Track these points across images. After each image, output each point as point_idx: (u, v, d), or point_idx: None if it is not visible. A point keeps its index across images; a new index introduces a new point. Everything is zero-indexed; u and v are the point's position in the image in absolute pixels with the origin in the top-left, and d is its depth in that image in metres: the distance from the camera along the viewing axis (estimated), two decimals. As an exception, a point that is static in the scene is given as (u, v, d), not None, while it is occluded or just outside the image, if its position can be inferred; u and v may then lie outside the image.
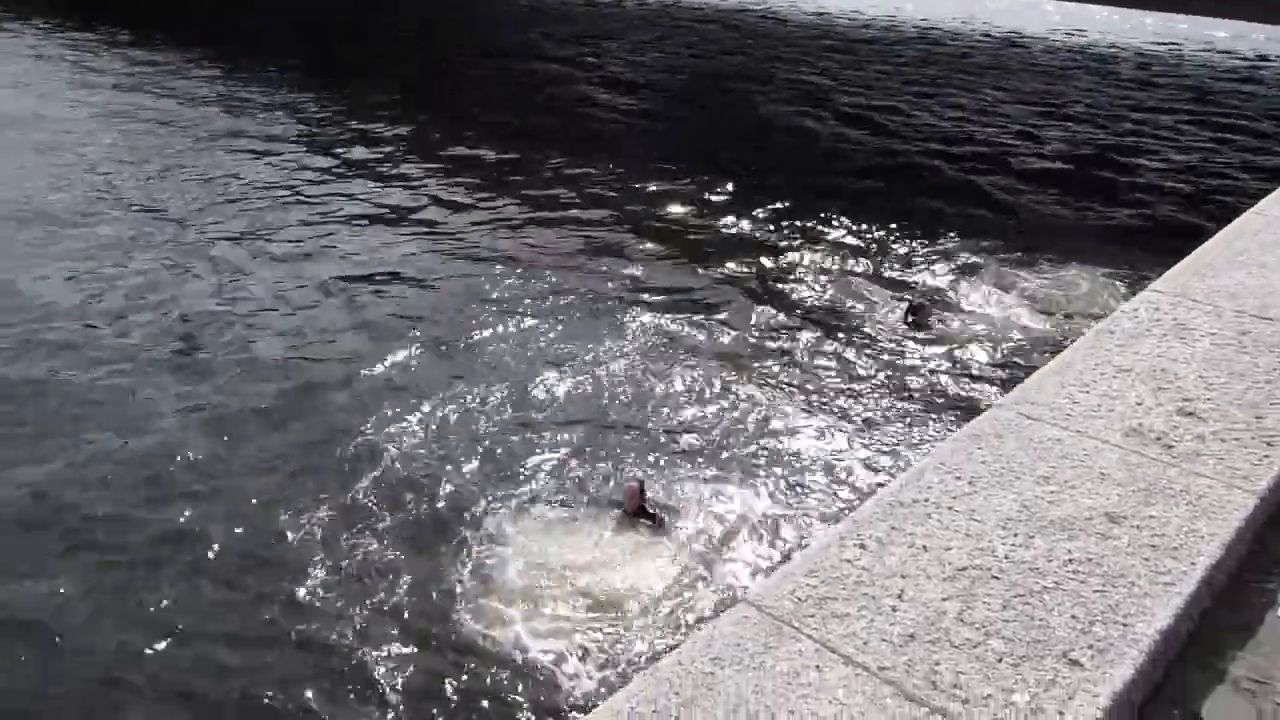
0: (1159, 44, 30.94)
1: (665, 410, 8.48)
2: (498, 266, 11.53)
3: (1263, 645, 1.98)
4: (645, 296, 10.83)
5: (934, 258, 12.22)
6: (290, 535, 6.57)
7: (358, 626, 5.74)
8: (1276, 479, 2.30)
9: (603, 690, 5.28)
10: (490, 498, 7.11)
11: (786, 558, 6.28)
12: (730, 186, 14.85)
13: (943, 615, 1.85)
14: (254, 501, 6.95)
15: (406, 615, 5.86)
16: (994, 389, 8.70)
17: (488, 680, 5.40)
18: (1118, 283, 11.19)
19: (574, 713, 5.17)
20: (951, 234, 12.95)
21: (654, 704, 1.66)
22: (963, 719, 1.61)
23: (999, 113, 21.53)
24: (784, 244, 12.64)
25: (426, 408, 8.25)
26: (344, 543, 6.49)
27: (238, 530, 6.60)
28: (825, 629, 1.82)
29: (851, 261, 12.08)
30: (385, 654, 5.56)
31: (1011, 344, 9.92)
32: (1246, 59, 29.23)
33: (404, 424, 8.02)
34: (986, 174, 16.61)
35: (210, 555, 6.38)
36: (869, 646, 1.77)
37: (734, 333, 10.03)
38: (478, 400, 8.49)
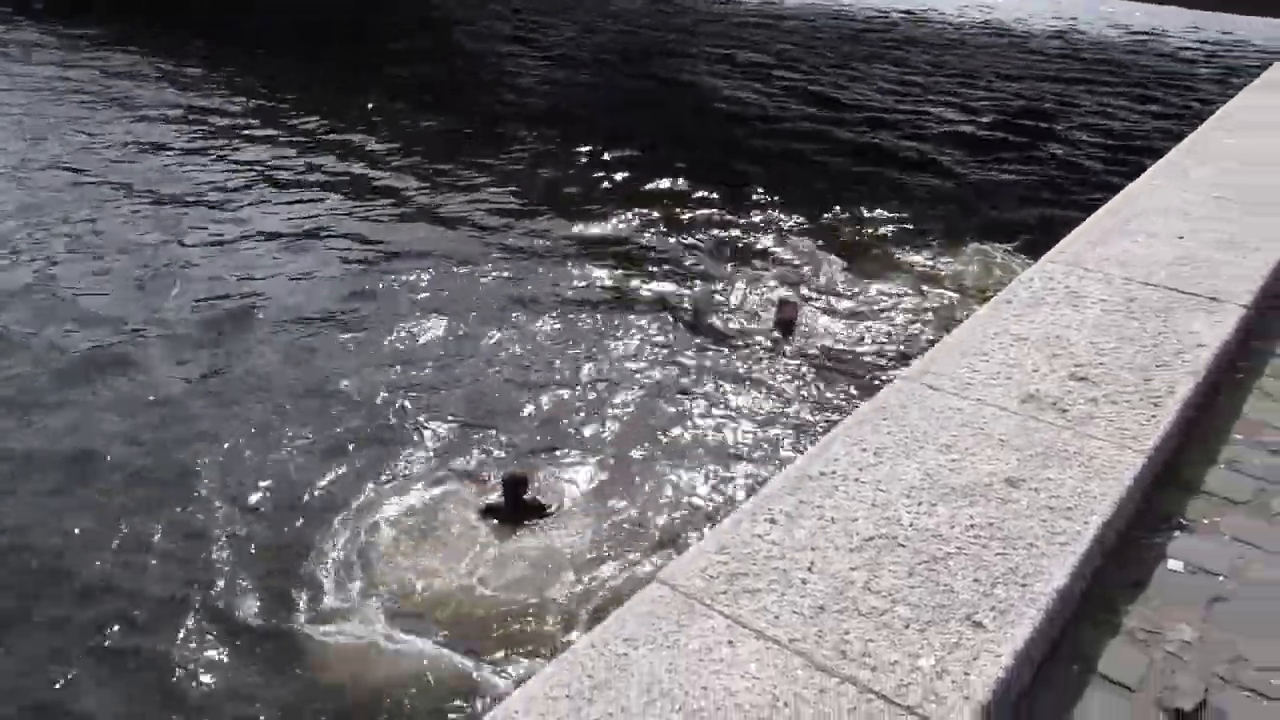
0: (1059, 20, 31.84)
1: (547, 399, 8.39)
2: (393, 257, 11.40)
3: (1152, 599, 2.06)
4: (531, 286, 10.77)
5: (830, 235, 12.38)
6: (110, 555, 6.19)
7: (184, 669, 5.33)
8: (1162, 438, 2.40)
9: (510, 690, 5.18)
10: (355, 501, 6.87)
11: (687, 537, 6.29)
12: (632, 165, 14.86)
13: (851, 585, 1.88)
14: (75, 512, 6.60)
15: (255, 647, 5.48)
16: (899, 361, 8.86)
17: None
18: (1016, 253, 11.53)
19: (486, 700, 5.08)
20: (852, 210, 13.17)
21: (567, 688, 1.66)
22: (871, 685, 1.65)
23: (897, 88, 21.92)
24: (683, 226, 12.70)
25: (288, 401, 8.06)
26: (170, 567, 6.11)
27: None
28: (737, 605, 1.83)
29: (747, 242, 12.18)
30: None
31: (915, 315, 10.15)
32: (1146, 32, 30.28)
33: (262, 421, 7.79)
34: (889, 148, 16.92)
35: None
36: (780, 620, 1.80)
37: (627, 319, 10.00)
38: (352, 392, 8.33)
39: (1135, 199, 3.76)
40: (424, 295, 10.41)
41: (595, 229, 12.73)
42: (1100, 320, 2.98)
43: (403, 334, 9.49)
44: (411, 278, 10.87)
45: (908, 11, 32.51)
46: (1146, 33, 30.44)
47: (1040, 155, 17.04)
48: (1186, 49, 28.80)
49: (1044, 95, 21.78)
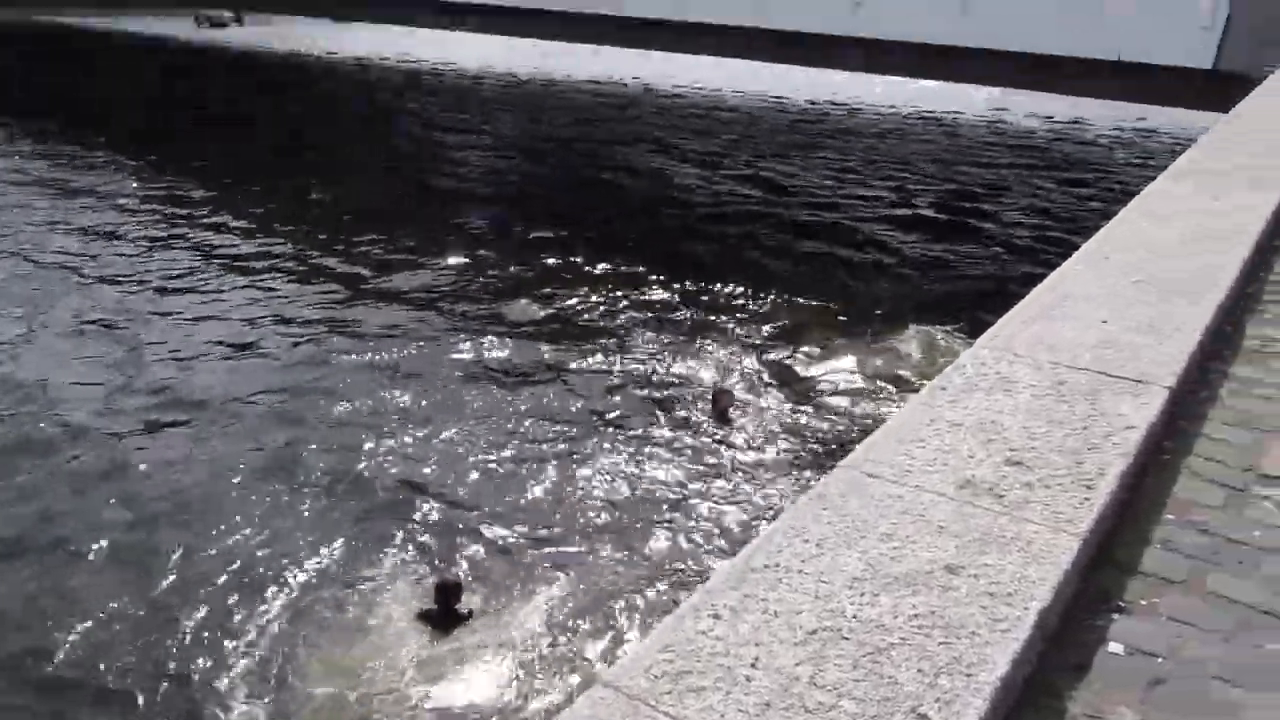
0: (989, 110, 33.13)
1: (482, 492, 8.35)
2: (330, 339, 11.35)
3: (1094, 683, 2.08)
4: (465, 371, 10.82)
5: (771, 319, 12.59)
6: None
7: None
8: (1096, 520, 2.44)
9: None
10: (283, 601, 6.73)
11: (629, 635, 6.20)
12: (572, 249, 15.03)
13: (796, 681, 1.88)
14: None
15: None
16: (839, 448, 8.95)
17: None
18: (955, 334, 11.80)
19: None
20: (792, 293, 13.41)
21: (511, 800, 1.62)
22: (819, 784, 1.63)
23: (837, 174, 22.53)
24: (624, 311, 12.83)
25: (224, 491, 7.96)
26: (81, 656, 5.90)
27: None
28: (682, 705, 1.81)
29: (688, 327, 12.33)
30: None
31: (854, 401, 10.28)
32: (1069, 121, 31.59)
33: (196, 508, 7.69)
34: (829, 232, 17.32)
35: None
36: (726, 719, 1.78)
37: (566, 407, 10.03)
38: (288, 485, 8.23)
39: (1060, 285, 3.89)
40: (355, 380, 10.38)
41: (534, 312, 12.83)
42: (1032, 405, 3.05)
43: (337, 423, 9.41)
44: (346, 360, 10.85)
45: (840, 103, 33.60)
46: (1069, 122, 31.80)
47: (975, 237, 17.54)
48: (1105, 136, 30.11)
49: (976, 180, 22.52)
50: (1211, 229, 4.72)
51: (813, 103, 34.46)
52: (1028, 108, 32.95)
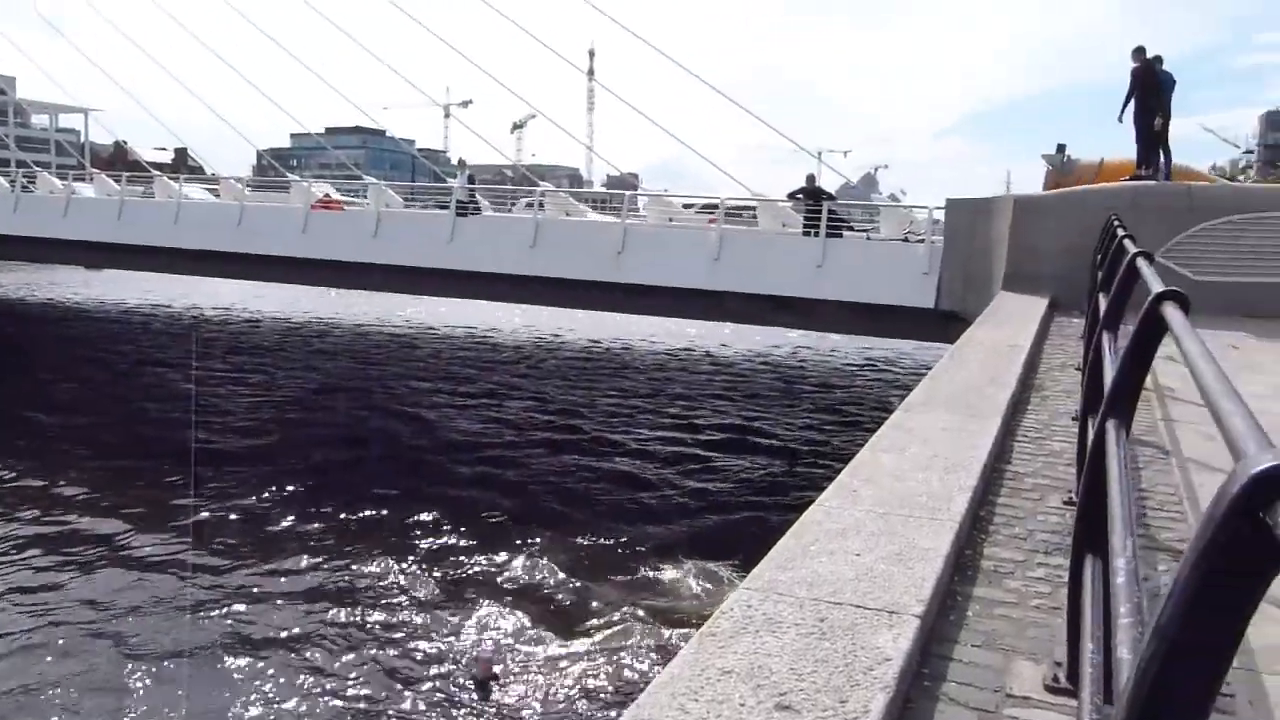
0: (755, 346, 35.45)
1: None
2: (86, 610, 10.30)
3: None
4: (219, 638, 10.07)
5: (541, 569, 12.43)
6: None
7: None
8: (863, 762, 2.48)
9: None
10: None
11: None
12: (331, 500, 14.54)
13: None
14: None
15: None
16: (611, 707, 8.78)
17: None
18: (722, 573, 12.02)
19: None
20: (564, 542, 13.37)
21: None
22: None
23: (605, 412, 23.19)
24: (384, 569, 12.39)
25: None
26: None
27: None
28: None
29: (451, 585, 11.97)
30: None
31: (628, 653, 10.15)
32: (823, 354, 34.17)
33: None
34: (597, 474, 17.59)
35: None
36: None
37: (319, 680, 9.45)
38: None
39: (814, 521, 4.09)
40: (98, 652, 9.37)
41: (288, 571, 12.14)
42: (797, 644, 3.12)
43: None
44: (77, 628, 9.83)
45: (617, 340, 35.09)
46: (826, 353, 34.45)
47: (741, 469, 18.29)
48: (854, 366, 32.77)
49: (742, 411, 23.73)
50: (946, 458, 5.15)
51: (594, 341, 35.89)
52: (794, 342, 35.64)
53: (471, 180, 28.30)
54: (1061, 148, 22.14)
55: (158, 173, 33.23)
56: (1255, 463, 1.15)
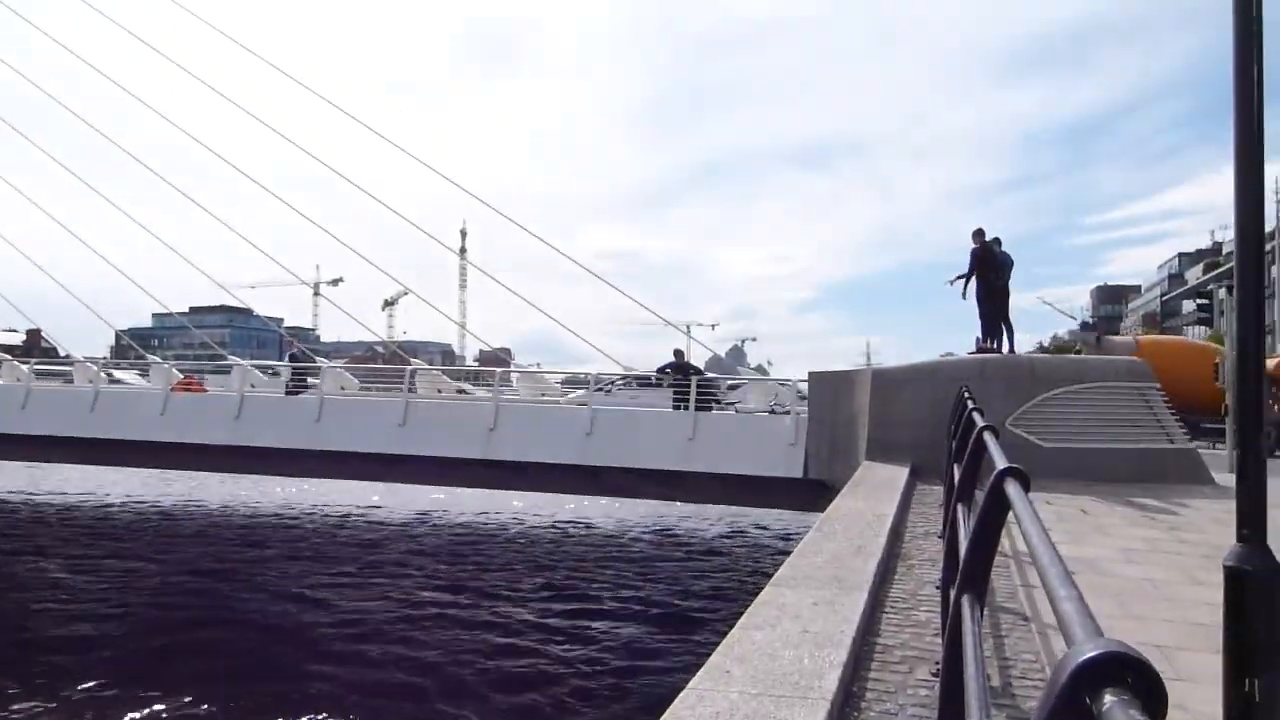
0: (628, 521, 35.22)
1: None
2: None
3: None
4: None
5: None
6: None
7: None
8: None
9: None
10: None
11: None
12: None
13: None
14: None
15: None
16: None
17: None
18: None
19: None
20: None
21: None
22: None
23: (480, 592, 22.47)
24: None
25: None
26: None
27: None
28: None
29: None
30: None
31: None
32: (692, 525, 34.18)
33: None
34: (475, 659, 16.90)
35: None
36: None
37: None
38: None
39: (685, 708, 3.99)
40: None
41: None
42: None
43: None
44: None
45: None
46: (695, 523, 34.47)
47: (615, 645, 17.82)
48: (728, 537, 32.85)
49: (612, 583, 23.33)
50: (816, 633, 5.15)
51: (479, 514, 35.12)
52: (673, 514, 35.59)
53: (294, 358, 28.28)
54: (1087, 325, 23.32)
55: (6, 356, 31.74)
56: (1081, 651, 1.19)
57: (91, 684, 14.98)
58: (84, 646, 17.45)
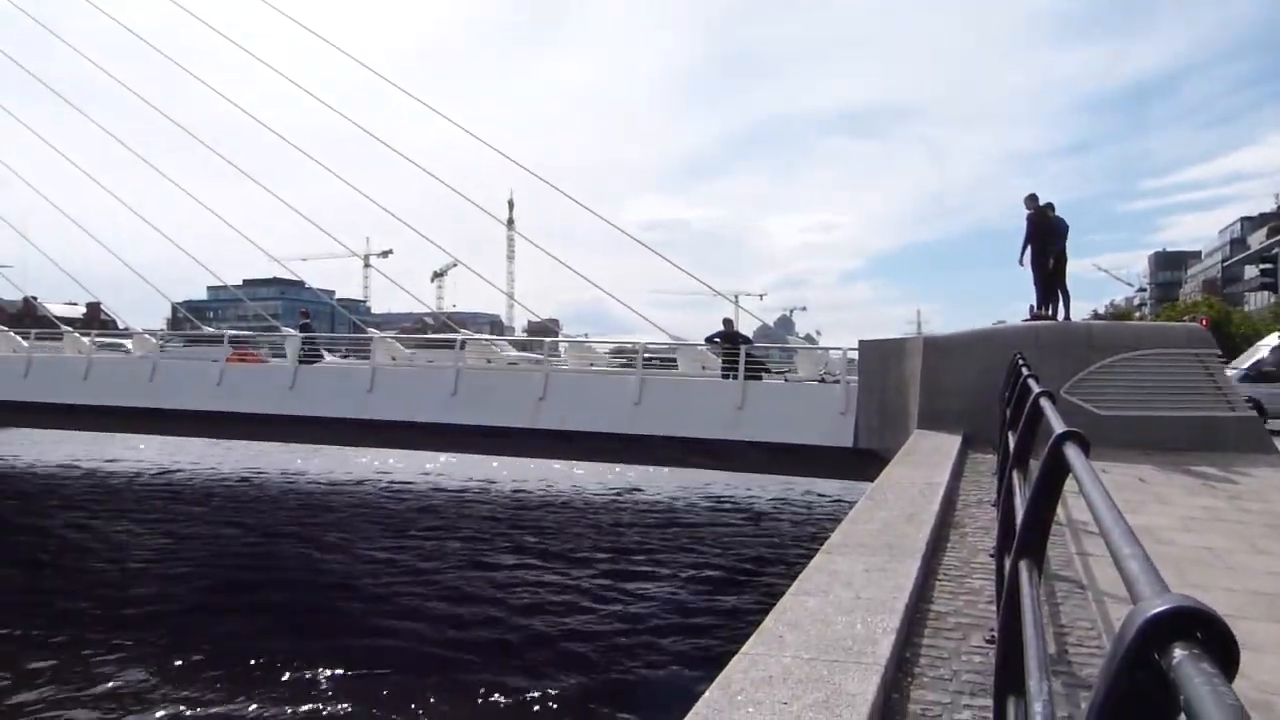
0: (667, 491, 35.34)
1: None
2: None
3: None
4: None
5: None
6: None
7: None
8: None
9: None
10: None
11: None
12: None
13: None
14: None
15: None
16: None
17: None
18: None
19: None
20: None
21: None
22: None
23: (532, 562, 22.73)
24: None
25: None
26: None
27: None
28: None
29: None
30: None
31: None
32: (746, 494, 34.19)
33: None
34: (510, 625, 17.12)
35: None
36: None
37: None
38: None
39: (739, 672, 4.02)
40: None
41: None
42: (725, 804, 3.02)
43: None
44: None
45: (548, 488, 34.72)
46: (747, 494, 34.49)
47: (670, 617, 17.93)
48: (780, 505, 32.83)
49: (659, 551, 23.47)
50: (868, 600, 5.15)
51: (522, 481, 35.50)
52: (721, 481, 35.68)
53: (305, 329, 28.66)
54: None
55: (68, 328, 32.54)
56: (1148, 607, 1.18)
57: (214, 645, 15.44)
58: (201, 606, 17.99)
